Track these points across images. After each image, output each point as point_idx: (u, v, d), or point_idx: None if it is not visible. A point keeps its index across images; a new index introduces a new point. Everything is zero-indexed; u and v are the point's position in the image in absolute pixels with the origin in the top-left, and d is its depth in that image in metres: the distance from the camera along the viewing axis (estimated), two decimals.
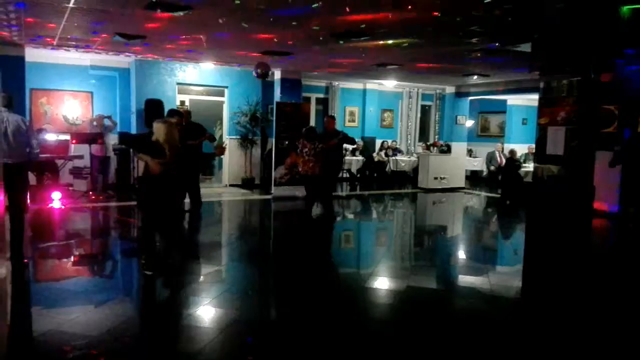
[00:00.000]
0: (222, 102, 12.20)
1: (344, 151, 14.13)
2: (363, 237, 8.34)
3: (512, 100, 15.24)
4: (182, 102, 11.78)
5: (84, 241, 7.07)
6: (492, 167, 13.88)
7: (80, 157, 9.76)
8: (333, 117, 8.98)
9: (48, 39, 8.06)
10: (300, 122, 10.85)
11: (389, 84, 14.08)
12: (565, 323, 4.35)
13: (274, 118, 11.15)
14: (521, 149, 13.80)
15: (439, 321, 4.29)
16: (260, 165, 12.43)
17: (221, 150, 7.95)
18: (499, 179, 12.93)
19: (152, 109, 8.31)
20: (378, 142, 14.81)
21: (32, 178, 9.10)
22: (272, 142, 11.30)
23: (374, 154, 14.44)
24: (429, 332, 4.01)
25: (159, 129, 5.14)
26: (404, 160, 14.44)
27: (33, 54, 9.40)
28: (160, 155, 5.03)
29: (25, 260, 5.45)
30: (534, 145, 7.50)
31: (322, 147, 7.78)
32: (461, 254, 7.11)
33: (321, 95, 14.36)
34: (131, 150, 9.24)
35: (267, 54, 8.77)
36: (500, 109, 15.70)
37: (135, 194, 6.36)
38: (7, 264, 4.47)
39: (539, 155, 5.38)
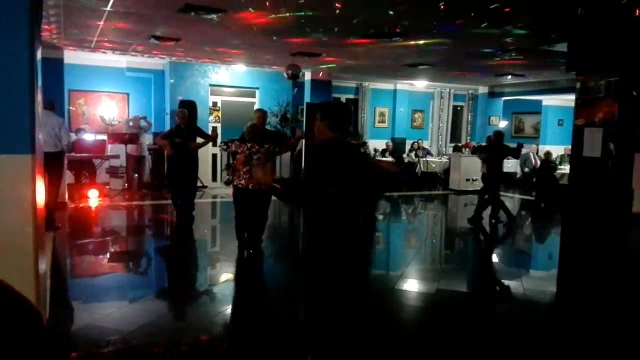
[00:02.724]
0: (254, 103, 12.33)
1: (375, 152, 14.16)
2: (393, 239, 8.28)
3: (548, 100, 14.87)
4: (215, 104, 11.96)
5: (119, 238, 7.26)
6: (527, 169, 13.58)
7: (117, 156, 10.02)
8: (263, 111, 6.43)
9: (86, 42, 8.31)
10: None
11: (420, 85, 13.95)
12: (601, 330, 4.23)
13: (304, 119, 11.20)
14: (557, 150, 13.45)
15: (470, 325, 4.23)
16: (290, 166, 12.50)
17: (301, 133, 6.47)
18: (534, 181, 12.64)
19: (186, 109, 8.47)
20: (408, 143, 14.69)
21: (70, 176, 9.41)
22: (302, 142, 11.36)
23: (404, 155, 14.33)
24: (459, 337, 3.96)
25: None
26: (434, 162, 14.27)
27: (71, 56, 9.70)
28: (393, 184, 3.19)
29: (59, 225, 6.82)
30: (570, 147, 7.34)
31: (279, 149, 5.96)
32: (493, 258, 6.99)
33: (351, 96, 14.34)
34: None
35: (298, 56, 8.81)
36: (535, 109, 15.33)
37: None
38: (47, 260, 4.63)
39: (575, 157, 5.24)
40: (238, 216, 6.06)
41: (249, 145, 5.66)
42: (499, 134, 8.36)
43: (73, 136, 9.92)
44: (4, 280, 1.00)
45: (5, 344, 0.81)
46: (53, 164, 6.71)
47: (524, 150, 13.97)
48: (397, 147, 14.28)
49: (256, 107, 12.20)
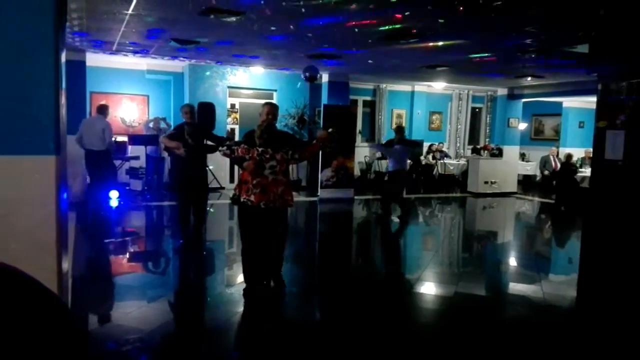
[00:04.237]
0: None
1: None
2: (410, 241, 8.25)
3: (568, 102, 14.67)
4: (233, 106, 12.06)
5: (139, 239, 7.36)
6: (547, 172, 13.41)
7: (137, 158, 10.16)
8: (274, 105, 5.14)
9: (107, 45, 8.45)
10: (348, 124, 10.92)
11: (438, 86, 13.87)
12: (623, 336, 4.15)
13: (321, 120, 11.21)
14: (578, 153, 13.26)
15: (487, 329, 4.19)
16: (307, 168, 12.52)
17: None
18: (554, 184, 12.48)
19: (204, 111, 8.46)
20: (426, 145, 14.61)
21: None
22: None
23: (422, 157, 14.26)
24: (477, 340, 3.93)
25: None
26: (452, 164, 14.18)
27: (93, 59, 9.87)
28: None
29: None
30: (591, 150, 7.27)
31: (298, 156, 4.66)
32: (512, 262, 6.91)
33: (368, 98, 14.32)
34: None
35: (316, 58, 8.83)
36: (556, 111, 15.13)
37: None
38: (70, 259, 4.72)
39: (597, 160, 5.17)
40: (247, 245, 4.62)
41: (260, 150, 4.42)
42: (399, 129, 9.08)
43: None
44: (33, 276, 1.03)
45: (34, 338, 0.84)
46: (100, 162, 7.79)
47: (544, 153, 13.80)
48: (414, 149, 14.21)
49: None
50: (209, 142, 6.55)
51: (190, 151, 6.16)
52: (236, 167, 12.08)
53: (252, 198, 4.37)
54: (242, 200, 4.44)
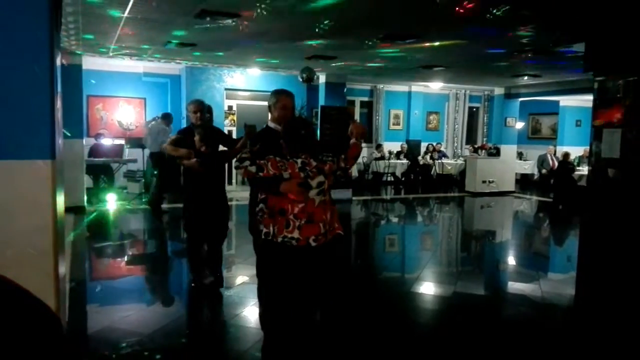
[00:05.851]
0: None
1: (389, 154, 14.11)
2: (408, 241, 8.24)
3: (565, 101, 14.69)
4: (230, 108, 12.04)
5: (136, 242, 7.34)
6: (544, 171, 13.42)
7: (134, 160, 10.14)
8: (291, 95, 3.73)
9: (104, 48, 8.43)
10: (345, 125, 10.93)
11: (435, 86, 13.88)
12: (621, 334, 4.15)
13: (319, 122, 11.20)
14: (575, 151, 13.28)
15: (486, 328, 4.19)
16: None
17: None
18: (551, 182, 12.49)
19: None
20: (423, 145, 14.63)
21: (88, 181, 9.55)
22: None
23: (419, 157, 14.27)
24: (476, 340, 3.93)
25: None
26: (450, 164, 14.19)
27: (90, 62, 9.85)
28: None
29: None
30: (588, 148, 7.30)
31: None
32: (511, 260, 6.91)
33: (365, 99, 14.33)
34: None
35: (313, 59, 8.83)
36: (553, 110, 15.16)
37: None
38: (67, 263, 4.71)
39: (594, 158, 5.17)
40: (276, 301, 3.27)
41: (299, 161, 3.00)
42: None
43: (92, 141, 10.21)
44: (22, 285, 1.02)
45: (23, 351, 0.83)
46: (159, 163, 8.83)
47: (541, 152, 13.81)
48: (412, 149, 14.23)
49: None
50: (223, 148, 4.91)
51: (205, 162, 4.52)
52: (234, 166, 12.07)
53: (296, 234, 2.95)
54: (279, 240, 2.96)
